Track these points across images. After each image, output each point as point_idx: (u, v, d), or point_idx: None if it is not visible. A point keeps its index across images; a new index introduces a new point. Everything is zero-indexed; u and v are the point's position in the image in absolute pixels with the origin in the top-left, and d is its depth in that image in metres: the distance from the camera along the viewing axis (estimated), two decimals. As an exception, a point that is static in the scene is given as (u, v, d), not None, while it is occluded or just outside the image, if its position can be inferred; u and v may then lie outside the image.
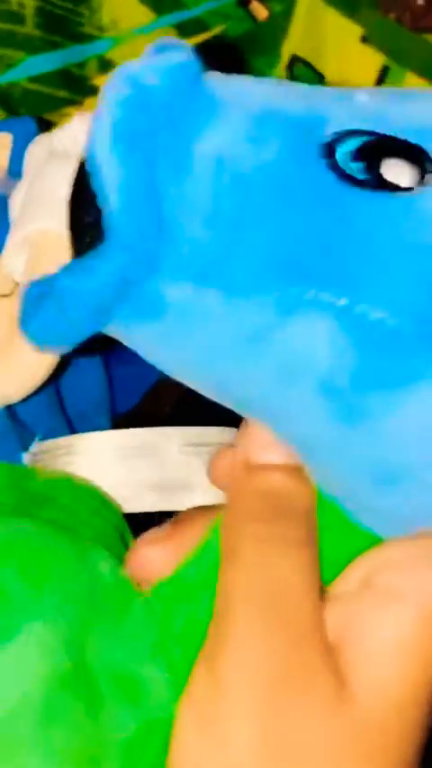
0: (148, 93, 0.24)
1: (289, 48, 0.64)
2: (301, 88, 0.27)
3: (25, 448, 0.41)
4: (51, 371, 0.39)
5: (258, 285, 0.24)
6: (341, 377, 0.24)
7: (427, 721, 0.25)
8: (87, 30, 0.62)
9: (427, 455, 0.24)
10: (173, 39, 0.27)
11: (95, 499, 0.34)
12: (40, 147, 0.39)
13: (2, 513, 0.31)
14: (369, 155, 0.25)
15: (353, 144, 0.25)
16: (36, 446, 0.41)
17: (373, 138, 0.25)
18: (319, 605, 0.25)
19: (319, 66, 0.64)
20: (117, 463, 0.39)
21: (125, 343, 0.26)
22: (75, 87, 0.62)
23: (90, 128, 0.24)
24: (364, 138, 0.25)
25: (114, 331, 0.25)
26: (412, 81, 0.63)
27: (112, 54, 0.62)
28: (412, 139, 0.25)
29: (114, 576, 0.27)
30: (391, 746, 0.25)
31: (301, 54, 0.64)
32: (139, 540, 0.28)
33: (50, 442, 0.40)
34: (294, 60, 0.64)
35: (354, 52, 0.63)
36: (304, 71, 0.64)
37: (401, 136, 0.25)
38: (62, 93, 0.62)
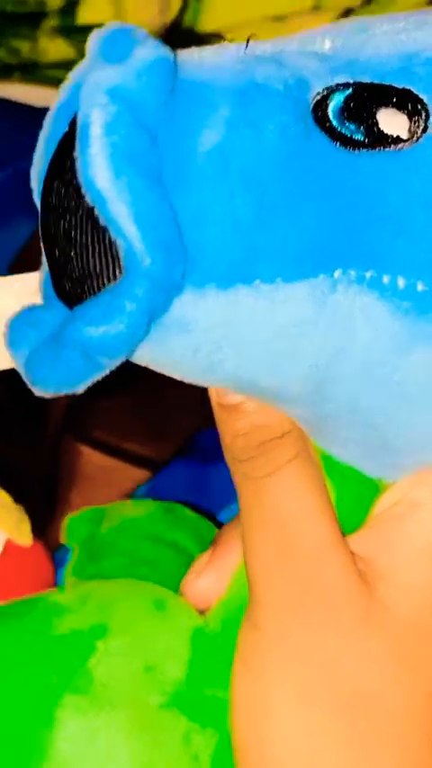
0: (137, 105, 0.22)
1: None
2: (265, 46, 0.24)
3: None
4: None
5: (288, 276, 0.23)
6: (381, 349, 0.23)
7: None
8: None
9: None
10: (123, 24, 0.23)
11: (154, 524, 0.37)
12: None
13: (80, 568, 0.36)
14: (360, 109, 0.23)
15: (340, 98, 0.23)
16: None
17: (356, 91, 0.23)
18: (333, 525, 0.26)
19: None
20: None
21: (149, 365, 0.24)
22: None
23: (80, 156, 0.22)
24: (348, 92, 0.23)
25: (139, 353, 0.23)
26: None
27: None
28: (392, 79, 0.24)
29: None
30: (426, 645, 0.26)
31: None
32: (188, 572, 0.30)
33: None
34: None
35: None
36: None
37: (381, 79, 0.24)
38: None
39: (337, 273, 0.23)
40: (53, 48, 0.68)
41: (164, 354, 0.23)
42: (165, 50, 0.22)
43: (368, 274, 0.23)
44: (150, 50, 0.22)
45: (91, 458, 0.52)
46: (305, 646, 0.26)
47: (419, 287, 0.23)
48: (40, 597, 0.31)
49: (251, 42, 0.24)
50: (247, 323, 0.23)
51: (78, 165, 0.22)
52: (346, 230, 0.23)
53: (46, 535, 0.55)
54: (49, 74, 0.69)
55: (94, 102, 0.21)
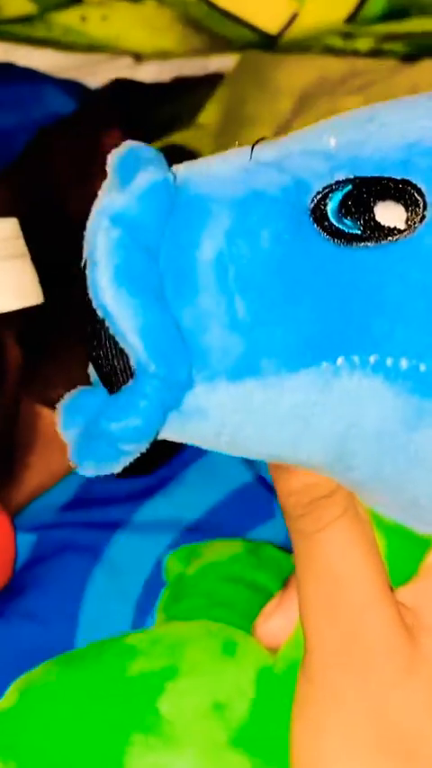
0: (137, 228, 0.24)
1: None
2: (270, 150, 0.26)
3: None
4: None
5: (291, 367, 0.25)
6: (392, 424, 0.25)
7: None
8: None
9: None
10: (135, 145, 0.26)
11: (236, 565, 0.39)
12: None
13: (166, 607, 0.38)
14: (358, 204, 0.25)
15: (338, 197, 0.25)
16: None
17: (355, 187, 0.25)
18: (380, 579, 0.28)
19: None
20: None
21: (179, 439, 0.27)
22: None
23: (90, 275, 0.24)
24: (348, 188, 0.25)
25: (168, 435, 0.26)
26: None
27: None
28: (393, 172, 0.25)
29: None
30: None
31: None
32: (260, 614, 0.32)
33: None
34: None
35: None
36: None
37: (382, 172, 0.25)
38: None
39: (339, 360, 0.25)
40: (12, 3, 0.67)
41: (189, 436, 0.26)
42: (164, 172, 0.25)
43: (372, 359, 0.24)
44: (151, 174, 0.25)
45: (51, 419, 0.50)
46: (351, 696, 0.28)
47: (422, 368, 0.24)
48: (115, 639, 0.33)
49: (258, 146, 0.26)
50: (259, 409, 0.25)
51: (88, 284, 0.25)
52: (345, 320, 0.25)
53: (4, 499, 0.53)
54: (9, 29, 0.68)
55: (99, 227, 0.24)
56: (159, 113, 0.62)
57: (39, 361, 0.52)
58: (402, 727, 0.27)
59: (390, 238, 0.25)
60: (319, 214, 0.25)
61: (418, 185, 0.25)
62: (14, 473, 0.51)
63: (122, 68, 0.76)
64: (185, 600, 0.38)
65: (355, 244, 0.25)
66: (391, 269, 0.25)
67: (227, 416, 0.25)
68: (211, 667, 0.31)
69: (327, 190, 0.25)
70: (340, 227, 0.25)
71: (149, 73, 0.75)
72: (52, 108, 0.65)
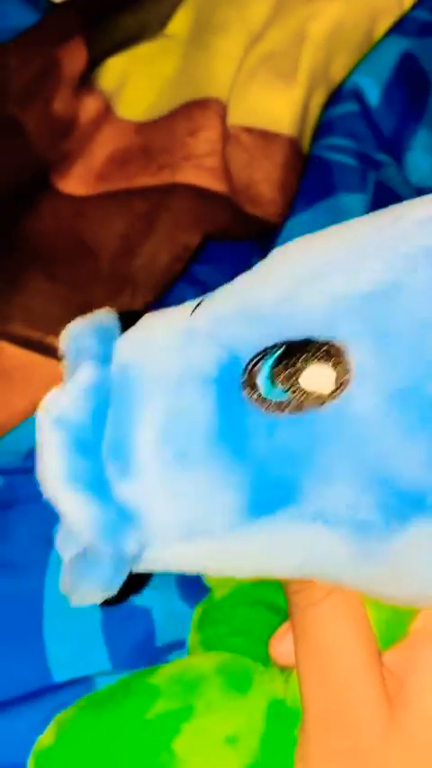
0: (77, 428, 0.28)
1: None
2: (206, 314, 0.28)
3: None
4: None
5: (235, 525, 0.27)
6: (341, 558, 0.28)
7: None
8: None
9: None
10: (81, 328, 0.29)
11: (257, 587, 0.40)
12: None
13: (193, 633, 0.40)
14: (286, 371, 0.26)
15: (268, 364, 0.26)
16: None
17: (283, 352, 0.26)
18: (367, 650, 0.30)
19: None
20: None
21: None
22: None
23: (39, 472, 0.28)
24: (277, 354, 0.26)
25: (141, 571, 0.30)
26: None
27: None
28: (320, 331, 0.26)
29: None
30: None
31: None
32: (273, 637, 0.34)
33: None
34: None
35: None
36: None
37: (311, 332, 0.26)
38: None
39: (278, 513, 0.27)
40: None
41: (166, 569, 0.30)
42: (100, 367, 0.28)
43: (309, 509, 0.27)
44: (89, 371, 0.28)
45: (10, 353, 0.47)
46: (336, 756, 0.30)
47: (359, 515, 0.26)
48: (138, 678, 0.35)
49: (197, 309, 0.29)
50: (215, 555, 0.28)
51: (38, 473, 0.28)
52: (280, 481, 0.27)
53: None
54: None
55: (43, 428, 0.28)
56: (125, 23, 0.58)
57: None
58: None
59: (319, 402, 0.26)
60: (250, 385, 0.27)
61: (345, 344, 0.26)
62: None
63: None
64: (209, 627, 0.39)
65: (285, 410, 0.26)
66: (318, 434, 0.26)
67: (188, 562, 0.29)
68: (225, 704, 0.33)
69: (257, 358, 0.27)
70: (270, 396, 0.26)
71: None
72: (12, 21, 0.61)
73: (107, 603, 0.30)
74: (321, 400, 0.26)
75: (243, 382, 0.26)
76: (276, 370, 0.26)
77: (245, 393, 0.26)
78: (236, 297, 0.28)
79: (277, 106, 0.53)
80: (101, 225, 0.49)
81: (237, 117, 0.53)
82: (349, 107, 0.56)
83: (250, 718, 0.33)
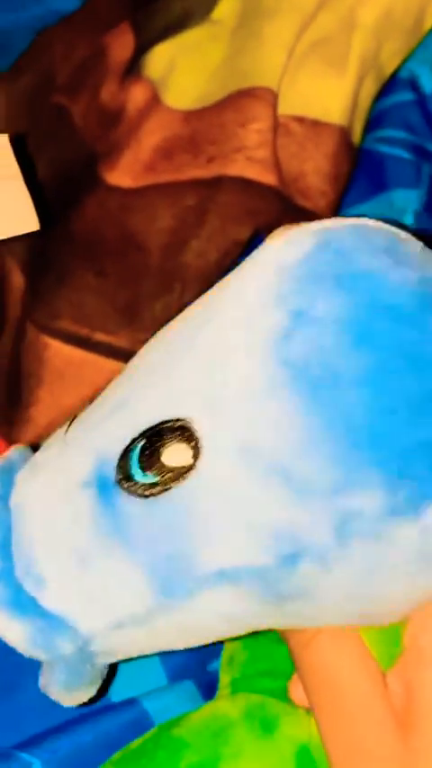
0: None
1: None
2: (77, 430, 0.32)
3: None
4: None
5: (152, 609, 0.31)
6: (257, 608, 0.31)
7: None
8: None
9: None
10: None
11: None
12: None
13: (223, 668, 0.41)
14: (150, 456, 0.29)
15: (135, 454, 0.30)
16: None
17: (146, 440, 0.29)
18: (370, 674, 0.31)
19: None
20: None
21: None
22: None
23: None
24: (141, 444, 0.29)
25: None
26: None
27: None
28: (171, 412, 0.29)
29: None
30: None
31: None
32: (290, 681, 0.36)
33: None
34: None
35: None
36: None
37: (160, 416, 0.29)
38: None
39: (185, 583, 0.30)
40: None
41: (137, 653, 0.34)
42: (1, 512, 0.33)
43: (210, 573, 0.30)
44: None
45: (60, 350, 0.46)
46: None
47: (254, 563, 0.30)
48: (165, 732, 0.37)
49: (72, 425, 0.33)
50: (155, 633, 0.32)
51: None
52: (174, 555, 0.30)
53: (13, 438, 0.50)
54: None
55: None
56: (171, 8, 0.56)
57: (44, 291, 0.48)
58: None
59: (183, 475, 0.29)
60: (124, 478, 0.30)
61: (192, 418, 0.29)
62: (23, 410, 0.48)
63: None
64: (236, 666, 0.40)
65: (157, 491, 0.29)
66: (191, 501, 0.29)
67: (142, 644, 0.32)
68: (252, 748, 0.34)
69: (124, 452, 0.30)
70: (143, 480, 0.29)
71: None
72: (54, 5, 0.60)
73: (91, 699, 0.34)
74: (184, 472, 0.29)
75: (117, 478, 0.30)
76: (142, 458, 0.29)
77: (121, 486, 0.30)
78: (98, 404, 0.32)
79: (327, 95, 0.52)
80: (149, 218, 0.48)
81: (287, 106, 0.52)
82: (403, 96, 0.54)
83: (279, 761, 0.34)
